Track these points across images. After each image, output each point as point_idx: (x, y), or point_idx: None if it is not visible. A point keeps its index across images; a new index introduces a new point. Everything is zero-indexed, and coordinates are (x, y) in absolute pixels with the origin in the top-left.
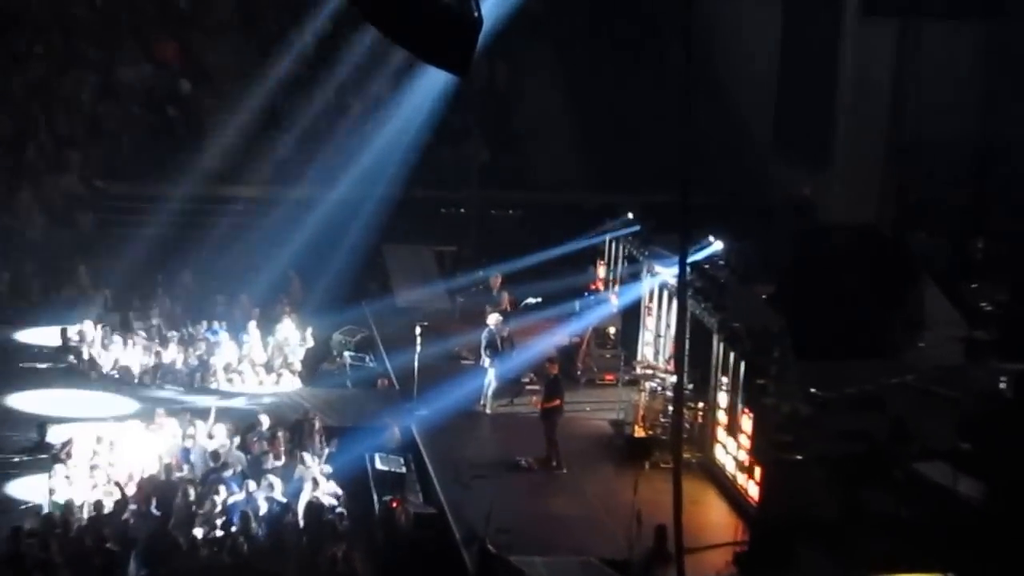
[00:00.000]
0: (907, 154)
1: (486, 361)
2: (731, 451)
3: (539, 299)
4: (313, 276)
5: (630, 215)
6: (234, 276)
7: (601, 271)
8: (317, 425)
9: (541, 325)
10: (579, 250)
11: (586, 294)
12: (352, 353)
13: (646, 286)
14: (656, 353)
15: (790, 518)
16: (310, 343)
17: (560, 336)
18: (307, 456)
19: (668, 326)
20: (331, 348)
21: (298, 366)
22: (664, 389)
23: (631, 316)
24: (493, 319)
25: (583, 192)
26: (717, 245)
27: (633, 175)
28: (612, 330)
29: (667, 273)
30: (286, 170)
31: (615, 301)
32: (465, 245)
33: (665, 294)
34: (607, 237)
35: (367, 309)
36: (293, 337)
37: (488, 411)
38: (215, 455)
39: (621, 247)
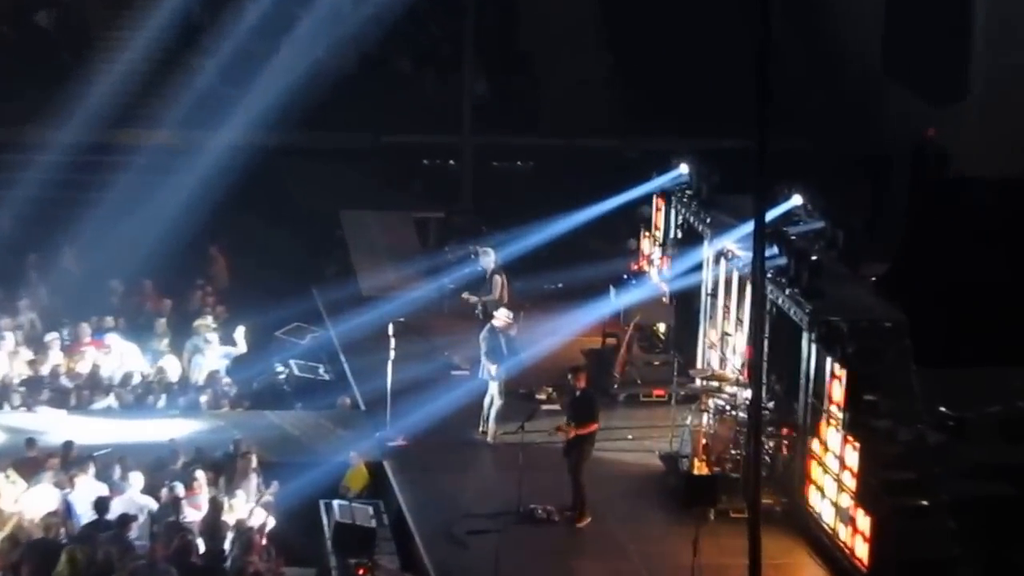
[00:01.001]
0: None
1: (487, 372)
2: (829, 494)
3: (559, 285)
4: (244, 253)
5: (684, 168)
6: (134, 254)
7: (645, 246)
8: (253, 462)
9: (563, 321)
10: (614, 217)
11: (625, 278)
12: (300, 362)
13: (708, 266)
14: (723, 359)
15: None
16: (242, 348)
17: (589, 336)
18: (238, 503)
19: (740, 321)
20: (271, 355)
21: (226, 380)
22: (735, 409)
23: (687, 308)
24: (501, 317)
25: (617, 136)
26: (805, 206)
27: (687, 113)
28: (661, 327)
29: (737, 248)
30: (206, 108)
31: (665, 288)
32: (456, 209)
33: (735, 277)
34: (653, 197)
35: (320, 300)
36: (217, 340)
37: (490, 440)
38: (100, 504)
39: (673, 212)
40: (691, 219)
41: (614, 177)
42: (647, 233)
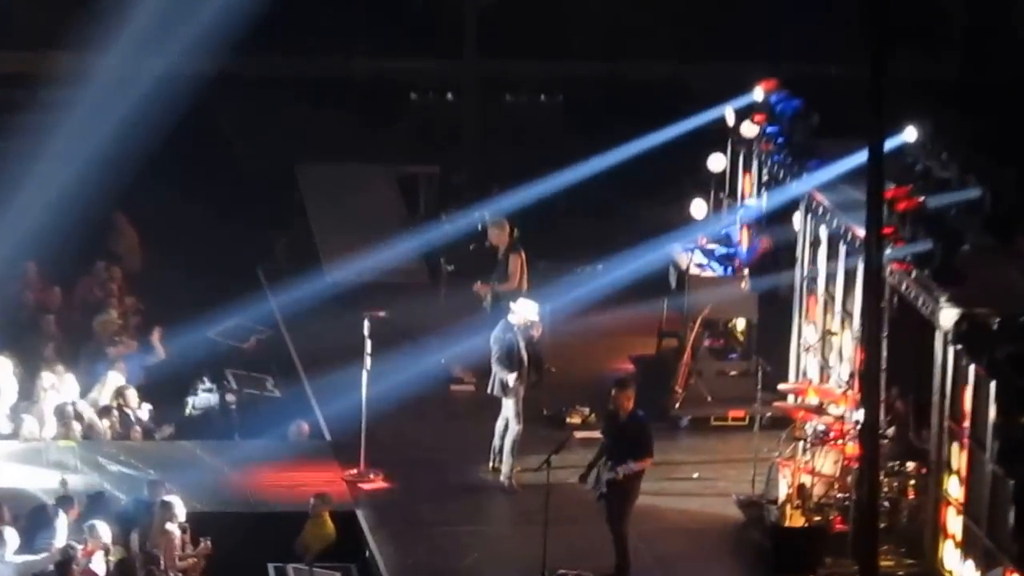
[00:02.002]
0: None
1: (501, 385)
2: (973, 553)
3: (598, 266)
4: (163, 224)
5: (765, 96)
6: (13, 226)
7: (714, 212)
8: (176, 512)
9: (603, 316)
10: (671, 171)
11: (685, 253)
12: (240, 373)
13: (803, 239)
14: (824, 368)
15: None
16: (160, 355)
17: (640, 336)
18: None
19: (848, 316)
20: (200, 364)
21: (136, 405)
22: (841, 436)
23: (775, 298)
24: (522, 310)
25: (672, 59)
26: (924, 145)
27: (771, 29)
28: (740, 324)
29: (841, 213)
30: (114, 23)
31: (743, 270)
32: (456, 162)
33: (840, 253)
34: (728, 144)
35: (268, 288)
36: (126, 343)
37: (504, 481)
38: None
39: (755, 163)
40: (780, 174)
41: (670, 116)
42: (718, 194)
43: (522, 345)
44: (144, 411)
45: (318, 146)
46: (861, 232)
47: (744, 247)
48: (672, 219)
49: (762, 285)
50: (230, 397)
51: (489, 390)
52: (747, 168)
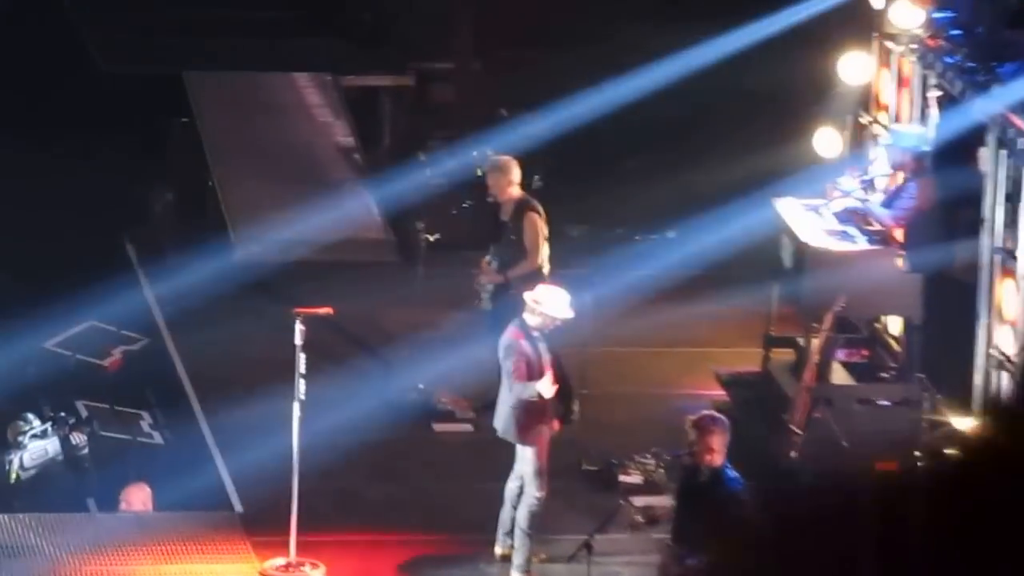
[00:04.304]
0: None
1: (506, 423)
2: None
3: (668, 234)
4: None
5: None
6: None
7: (845, 146)
8: None
9: (674, 312)
10: (780, 79)
11: (806, 212)
12: (97, 406)
13: (994, 186)
14: None
15: None
16: None
17: (733, 345)
18: None
19: None
20: (33, 391)
21: None
22: None
23: (947, 283)
24: (544, 303)
25: None
26: None
27: None
28: (892, 326)
29: None
30: None
31: (898, 239)
32: (439, 67)
33: None
34: (875, 45)
35: (144, 276)
36: None
37: (519, 575)
38: None
39: (916, 69)
40: (956, 86)
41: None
42: (856, 119)
43: (546, 359)
44: None
45: (218, 44)
46: None
47: (899, 201)
48: (785, 159)
49: (927, 262)
50: (80, 441)
51: (494, 426)
52: (902, 78)
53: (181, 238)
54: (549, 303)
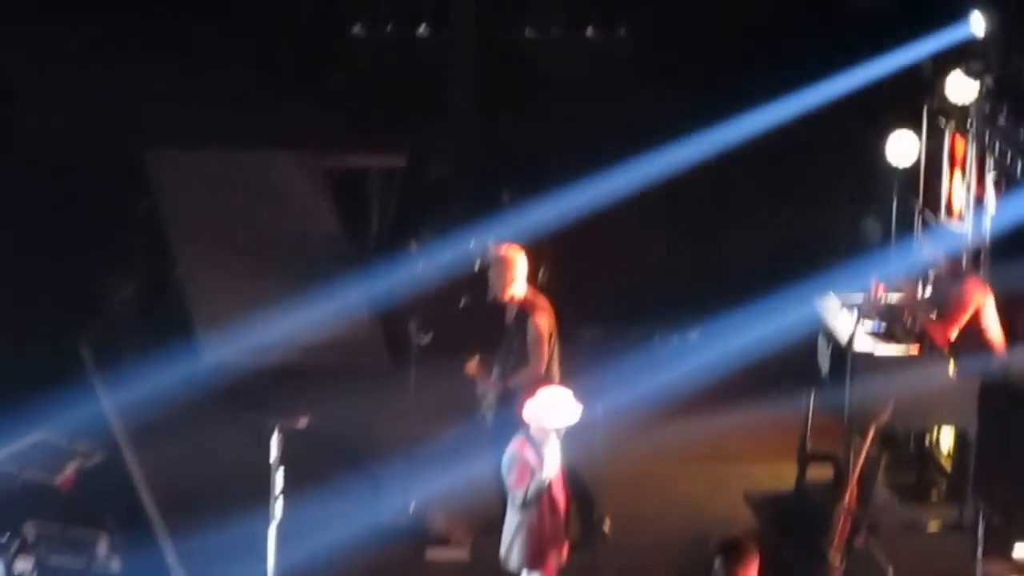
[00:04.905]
0: None
1: (508, 548)
2: None
3: (690, 333)
4: None
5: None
6: None
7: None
8: None
9: (697, 424)
10: (819, 157)
11: (845, 310)
12: (49, 527)
13: None
14: None
15: None
16: None
17: (759, 457)
18: None
19: None
20: None
21: None
22: None
23: (1006, 389)
24: (547, 410)
25: None
26: None
27: None
28: (945, 438)
29: None
30: None
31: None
32: (434, 145)
33: None
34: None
35: (101, 380)
36: None
37: None
38: None
39: (972, 147)
40: (1018, 167)
41: (818, 62)
42: (904, 205)
43: (542, 449)
44: None
45: (186, 119)
46: None
47: (946, 302)
48: (824, 248)
49: (983, 368)
50: (25, 570)
51: (501, 558)
52: (955, 158)
53: (142, 338)
54: (553, 411)
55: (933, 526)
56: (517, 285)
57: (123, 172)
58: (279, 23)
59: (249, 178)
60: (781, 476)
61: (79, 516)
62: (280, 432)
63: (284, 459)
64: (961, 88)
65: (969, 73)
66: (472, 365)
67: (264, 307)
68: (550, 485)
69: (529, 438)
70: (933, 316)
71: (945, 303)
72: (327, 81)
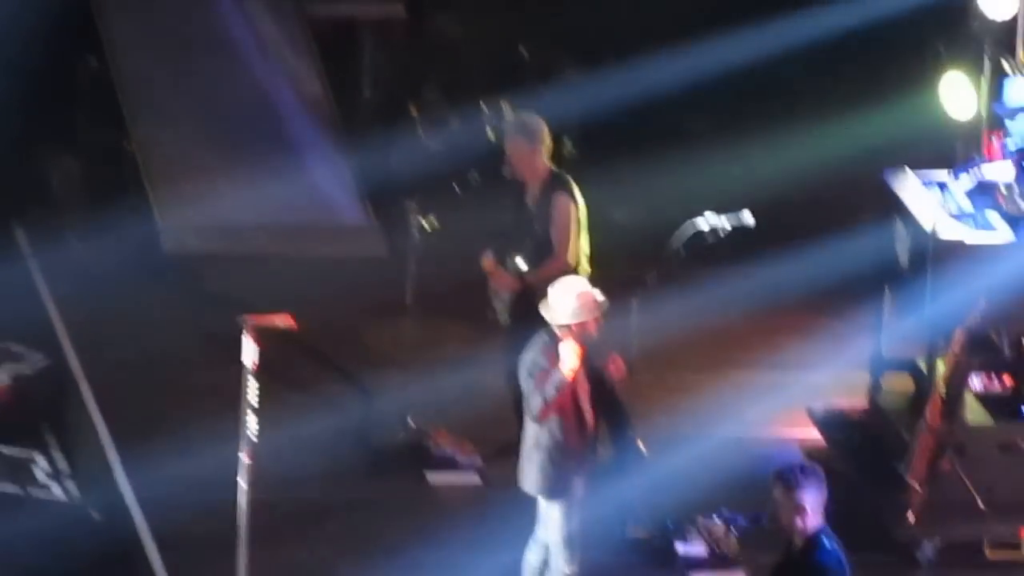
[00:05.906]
0: None
1: (528, 470)
2: None
3: (742, 214)
4: None
5: None
6: None
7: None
8: None
9: (751, 323)
10: (902, 23)
11: (928, 190)
12: None
13: None
14: None
15: None
16: None
17: (824, 367)
18: None
19: None
20: None
21: None
22: None
23: None
24: (572, 302)
25: None
26: None
27: None
28: None
29: None
30: None
31: None
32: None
33: None
34: None
35: (40, 268)
36: None
37: None
38: None
39: None
40: None
41: None
42: (997, 69)
43: (581, 379)
44: None
45: None
46: None
47: None
48: (902, 117)
49: None
50: None
51: (518, 481)
52: None
53: (89, 221)
54: (578, 303)
55: None
56: (540, 161)
57: (65, 27)
58: None
59: (216, 28)
60: (851, 387)
61: (14, 433)
62: (253, 333)
63: (259, 366)
64: None
65: None
66: (488, 261)
67: (234, 184)
68: (575, 393)
69: (550, 342)
70: None
71: None
72: None
